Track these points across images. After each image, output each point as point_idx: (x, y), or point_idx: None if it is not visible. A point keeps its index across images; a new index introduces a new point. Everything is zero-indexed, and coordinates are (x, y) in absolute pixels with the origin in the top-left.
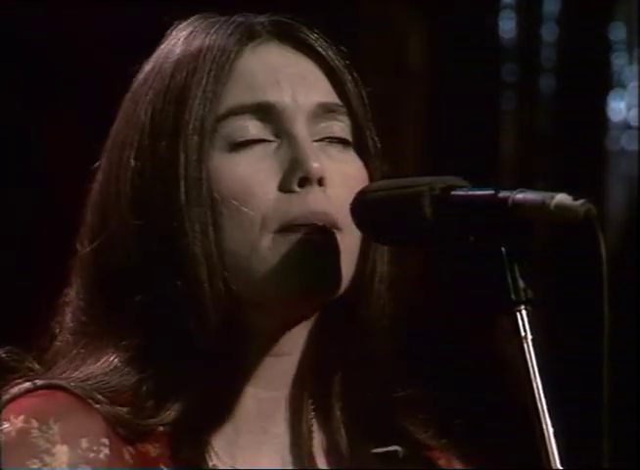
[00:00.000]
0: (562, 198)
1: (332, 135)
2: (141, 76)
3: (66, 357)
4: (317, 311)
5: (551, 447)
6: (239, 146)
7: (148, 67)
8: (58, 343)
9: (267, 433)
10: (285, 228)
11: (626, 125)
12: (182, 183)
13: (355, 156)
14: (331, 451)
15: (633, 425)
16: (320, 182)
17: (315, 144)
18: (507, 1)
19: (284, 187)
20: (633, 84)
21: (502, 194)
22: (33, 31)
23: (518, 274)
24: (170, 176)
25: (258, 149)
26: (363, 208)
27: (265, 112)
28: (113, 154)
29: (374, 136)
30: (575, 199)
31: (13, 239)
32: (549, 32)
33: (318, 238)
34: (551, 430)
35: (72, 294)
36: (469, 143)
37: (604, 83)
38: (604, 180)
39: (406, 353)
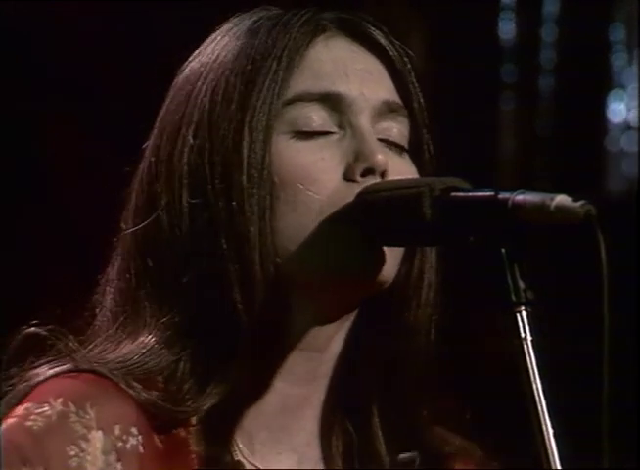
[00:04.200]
0: (562, 199)
1: (390, 139)
2: (195, 62)
3: (104, 335)
4: (359, 304)
5: (551, 449)
6: (302, 134)
7: (203, 53)
8: (97, 322)
9: (286, 429)
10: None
11: (626, 126)
12: (245, 164)
13: (409, 160)
14: (366, 454)
15: (633, 425)
16: (383, 175)
17: None
18: (506, 2)
19: (348, 176)
20: (633, 85)
21: (502, 195)
22: (33, 32)
23: (518, 275)
24: (233, 157)
25: (321, 138)
26: (364, 208)
27: (333, 102)
28: (165, 133)
29: (429, 141)
30: (575, 200)
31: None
32: (548, 33)
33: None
34: (551, 431)
35: (113, 273)
36: (468, 144)
37: (603, 84)
38: (603, 181)
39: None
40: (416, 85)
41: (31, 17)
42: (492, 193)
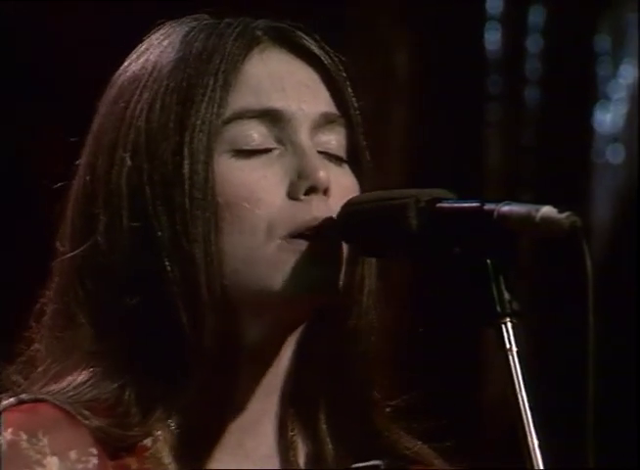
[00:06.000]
0: (547, 210)
1: (329, 151)
2: (127, 75)
3: (44, 363)
4: (306, 318)
5: (536, 460)
6: (242, 153)
7: (135, 66)
8: (36, 347)
9: (242, 446)
10: (291, 234)
11: (611, 138)
12: (187, 186)
13: (349, 171)
14: (316, 465)
15: (633, 426)
16: (325, 192)
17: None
18: (492, 12)
19: (291, 195)
20: (618, 96)
21: (488, 206)
22: (28, 38)
23: (503, 286)
24: (174, 179)
25: (262, 156)
26: (349, 220)
27: (271, 118)
28: (101, 154)
29: (366, 150)
30: (561, 211)
31: None
32: (534, 44)
33: (321, 243)
34: (536, 442)
35: (52, 296)
36: (454, 155)
37: (589, 95)
38: (589, 193)
39: (395, 364)
40: (351, 93)
41: (24, 17)
42: (478, 204)
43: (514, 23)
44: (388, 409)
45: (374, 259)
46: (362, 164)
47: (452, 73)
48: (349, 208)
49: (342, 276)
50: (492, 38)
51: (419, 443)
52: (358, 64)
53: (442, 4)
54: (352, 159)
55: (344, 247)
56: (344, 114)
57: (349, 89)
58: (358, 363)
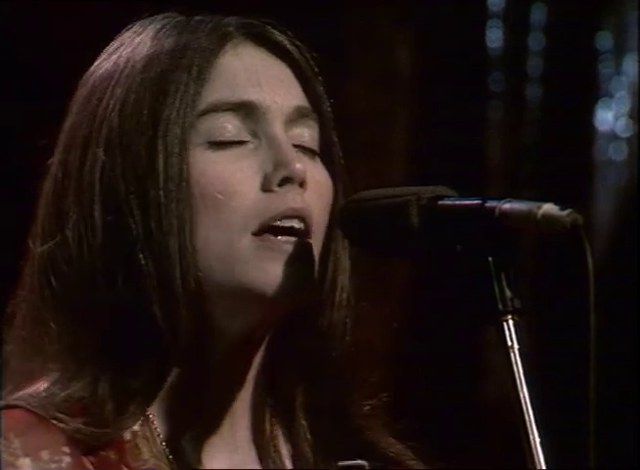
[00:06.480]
0: (549, 208)
1: (303, 144)
2: (99, 73)
3: (16, 363)
4: (281, 317)
5: (538, 458)
6: (217, 144)
7: (107, 64)
8: (9, 348)
9: (220, 442)
10: (264, 229)
11: (613, 135)
12: (161, 179)
13: (321, 164)
14: (299, 463)
15: (633, 432)
16: (301, 184)
17: None
18: (494, 10)
19: (265, 186)
20: (620, 94)
21: (489, 204)
22: (28, 38)
23: (505, 284)
24: (148, 171)
25: (236, 148)
26: (351, 217)
27: (246, 111)
28: (73, 150)
29: (337, 146)
30: (562, 209)
31: None
32: (536, 41)
33: (294, 242)
34: (538, 440)
35: (24, 295)
36: (456, 152)
37: (591, 93)
38: (591, 190)
39: (394, 362)
40: (322, 88)
41: (24, 17)
42: (480, 201)
43: (515, 20)
44: (367, 407)
45: (346, 254)
46: (334, 160)
47: (454, 71)
48: (351, 205)
49: (315, 274)
50: (494, 36)
51: (398, 443)
52: (360, 62)
53: (444, 2)
54: (324, 153)
55: (316, 244)
56: (316, 109)
57: (321, 84)
58: (333, 360)
